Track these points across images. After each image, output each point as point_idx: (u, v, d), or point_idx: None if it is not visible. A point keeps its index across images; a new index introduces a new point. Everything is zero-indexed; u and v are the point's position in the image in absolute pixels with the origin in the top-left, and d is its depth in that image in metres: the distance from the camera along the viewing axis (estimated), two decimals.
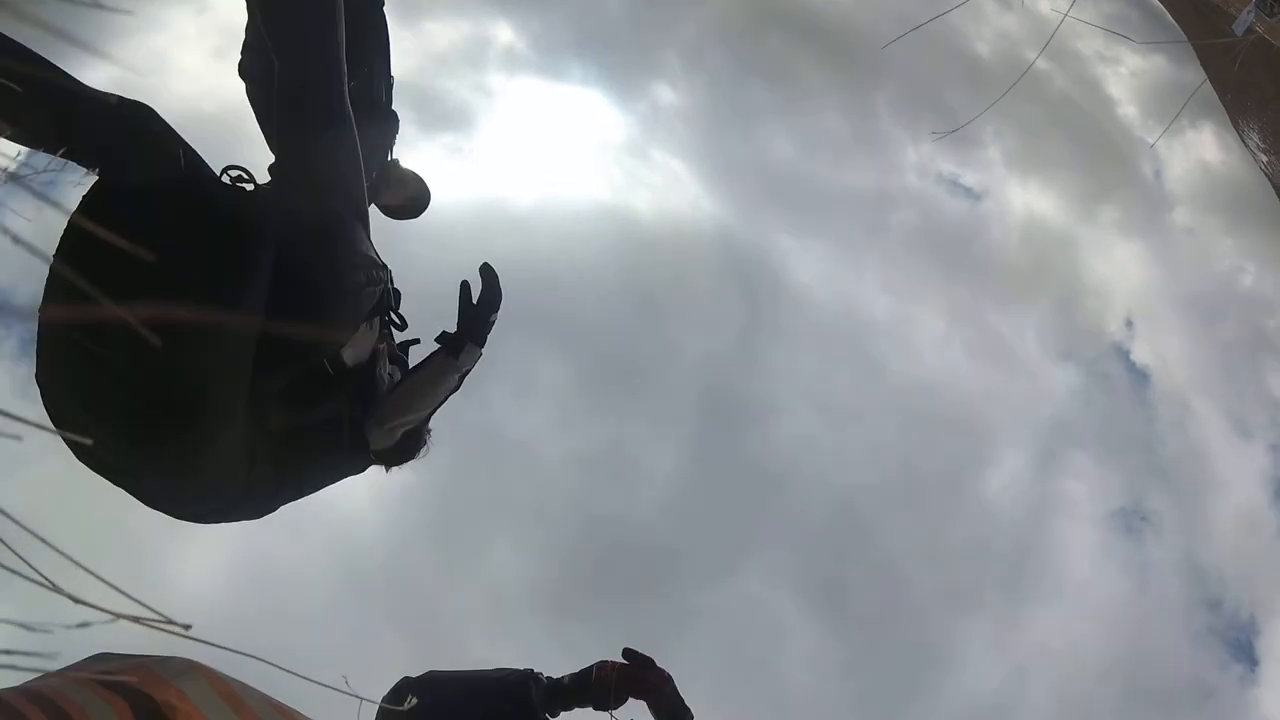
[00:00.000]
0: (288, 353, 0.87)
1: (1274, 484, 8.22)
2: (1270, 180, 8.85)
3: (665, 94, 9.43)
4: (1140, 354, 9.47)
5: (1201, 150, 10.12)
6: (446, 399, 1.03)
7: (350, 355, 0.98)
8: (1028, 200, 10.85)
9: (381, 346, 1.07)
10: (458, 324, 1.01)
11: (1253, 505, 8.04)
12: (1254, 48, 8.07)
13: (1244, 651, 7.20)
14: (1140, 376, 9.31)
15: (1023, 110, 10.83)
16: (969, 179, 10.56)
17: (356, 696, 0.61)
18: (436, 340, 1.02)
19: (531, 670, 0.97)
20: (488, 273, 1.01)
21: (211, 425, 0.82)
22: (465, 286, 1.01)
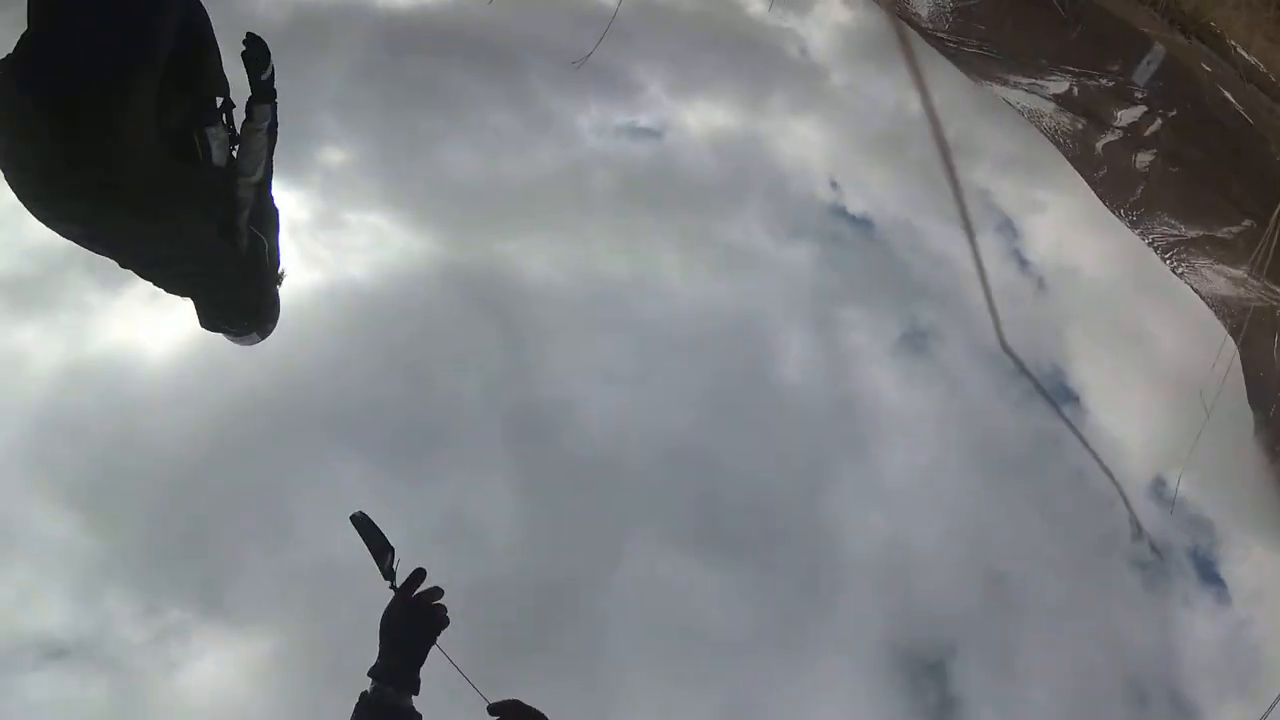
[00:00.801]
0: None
1: (1015, 255, 9.19)
2: (900, 17, 9.92)
3: (333, 155, 9.23)
4: (855, 205, 10.29)
5: (833, 15, 11.08)
6: (266, 154, 1.25)
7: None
8: (702, 119, 11.48)
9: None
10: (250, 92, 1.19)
11: (1007, 280, 8.97)
12: None
13: (1065, 394, 8.13)
14: (863, 224, 10.16)
15: (666, 44, 11.45)
16: (644, 121, 11.06)
17: None
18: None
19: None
20: (252, 42, 1.19)
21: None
22: (244, 59, 1.19)
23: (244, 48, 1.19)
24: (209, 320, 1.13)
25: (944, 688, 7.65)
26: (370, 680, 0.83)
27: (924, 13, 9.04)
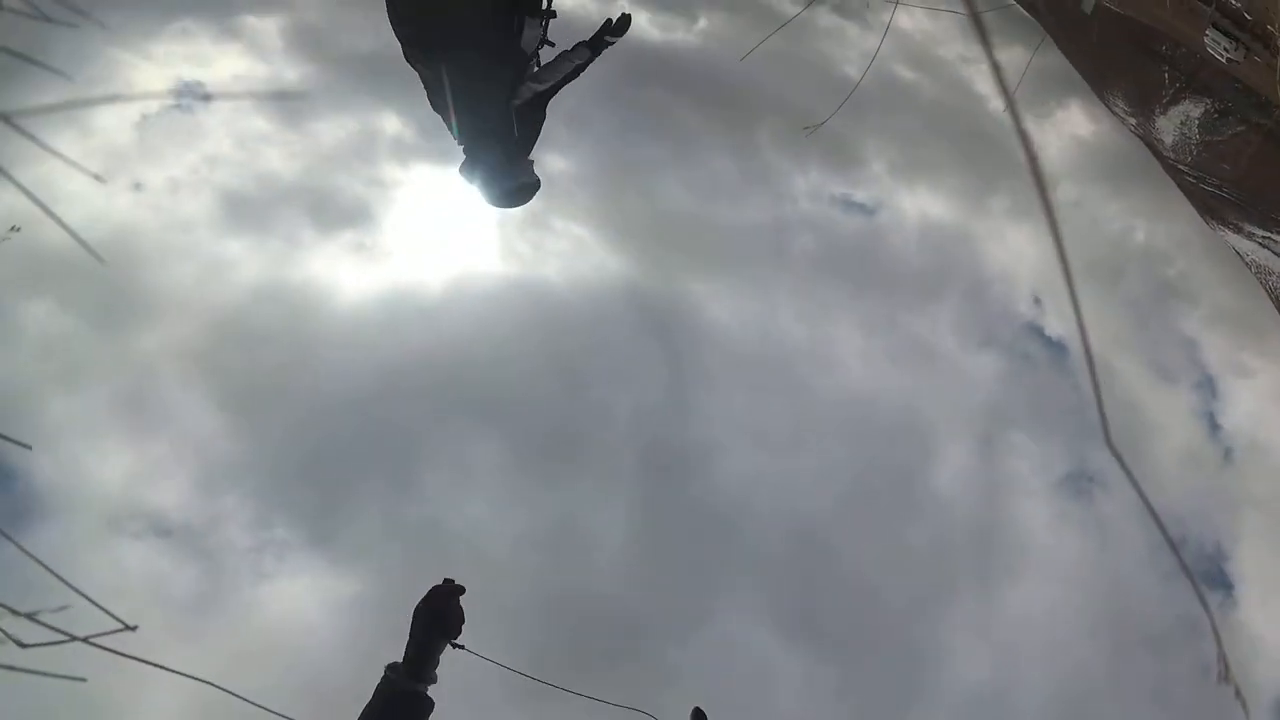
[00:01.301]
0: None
1: (1207, 418, 8.20)
2: (1142, 139, 8.74)
3: (557, 162, 9.44)
4: (1053, 327, 9.43)
5: (1073, 126, 9.85)
6: (560, 80, 1.46)
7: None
8: (919, 205, 10.70)
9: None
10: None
11: (1191, 442, 8.01)
12: (1105, 19, 7.96)
13: (1218, 578, 7.26)
14: (1058, 348, 9.26)
15: (900, 121, 10.74)
16: (860, 196, 10.53)
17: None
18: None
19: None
20: (621, 20, 1.49)
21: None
22: (606, 23, 1.47)
23: (612, 18, 1.49)
24: (462, 136, 1.41)
25: None
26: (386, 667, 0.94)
27: (1168, 140, 8.41)
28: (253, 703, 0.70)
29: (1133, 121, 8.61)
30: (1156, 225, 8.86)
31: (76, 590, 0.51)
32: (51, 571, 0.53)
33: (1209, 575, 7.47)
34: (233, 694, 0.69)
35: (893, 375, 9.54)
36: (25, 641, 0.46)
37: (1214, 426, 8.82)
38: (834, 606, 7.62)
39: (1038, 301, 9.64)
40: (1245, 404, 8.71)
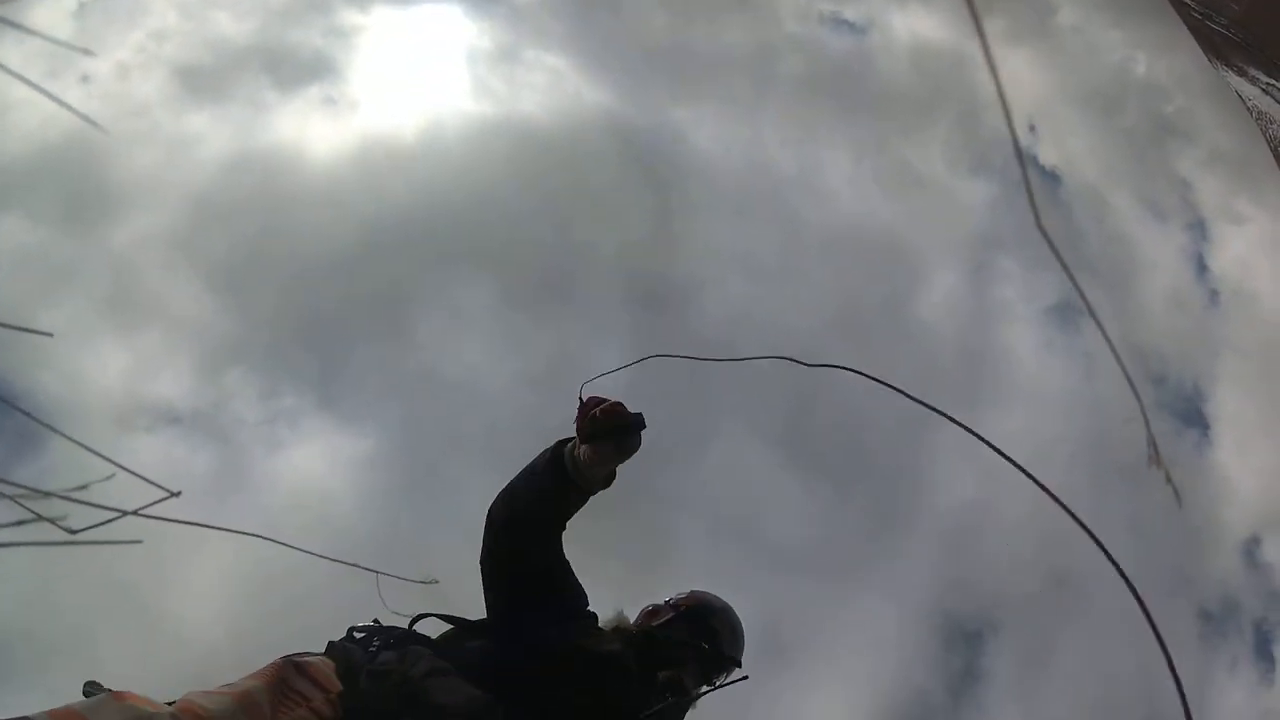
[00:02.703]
0: None
1: (1195, 260, 8.46)
2: None
3: None
4: (1047, 156, 9.42)
5: None
6: None
7: None
8: (911, 25, 10.36)
9: None
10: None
11: (1178, 283, 8.27)
12: None
13: (1195, 419, 7.74)
14: (1051, 178, 9.33)
15: None
16: (849, 13, 10.08)
17: (371, 570, 0.86)
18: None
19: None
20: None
21: None
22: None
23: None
24: None
25: (974, 658, 7.83)
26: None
27: None
28: (298, 548, 0.77)
29: None
30: (1158, 59, 8.55)
31: (117, 465, 0.56)
32: (92, 450, 0.58)
33: (1186, 414, 7.73)
34: (280, 543, 0.75)
35: (883, 201, 9.45)
36: (74, 528, 0.48)
37: (1201, 269, 8.86)
38: (828, 430, 7.92)
39: (1033, 129, 9.43)
40: (1235, 249, 8.72)
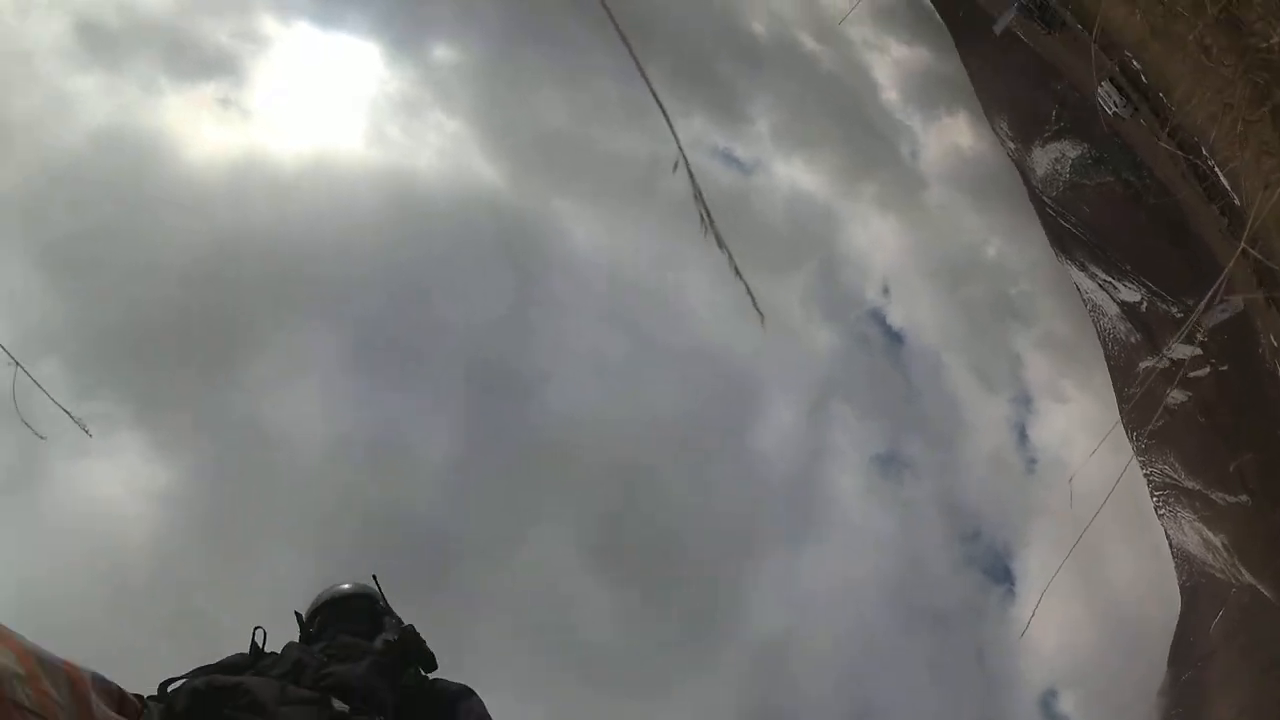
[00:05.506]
0: None
1: (1017, 429, 9.25)
2: (1016, 164, 9.79)
3: (445, 51, 9.22)
4: (896, 317, 10.39)
5: (956, 135, 10.98)
6: None
7: None
8: (792, 175, 11.47)
9: None
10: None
11: (999, 449, 9.04)
12: (1012, 44, 8.86)
13: (1003, 574, 8.21)
14: (896, 338, 10.23)
15: (795, 90, 11.36)
16: (740, 152, 11.03)
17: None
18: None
19: None
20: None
21: None
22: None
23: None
24: None
25: None
26: None
27: (1040, 171, 9.05)
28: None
29: (1012, 146, 9.16)
30: (1010, 245, 9.55)
31: None
32: None
33: (994, 570, 8.22)
34: None
35: (738, 332, 9.83)
36: None
37: (1023, 436, 9.69)
38: (648, 542, 7.84)
39: (886, 291, 10.22)
40: (1055, 425, 9.55)
